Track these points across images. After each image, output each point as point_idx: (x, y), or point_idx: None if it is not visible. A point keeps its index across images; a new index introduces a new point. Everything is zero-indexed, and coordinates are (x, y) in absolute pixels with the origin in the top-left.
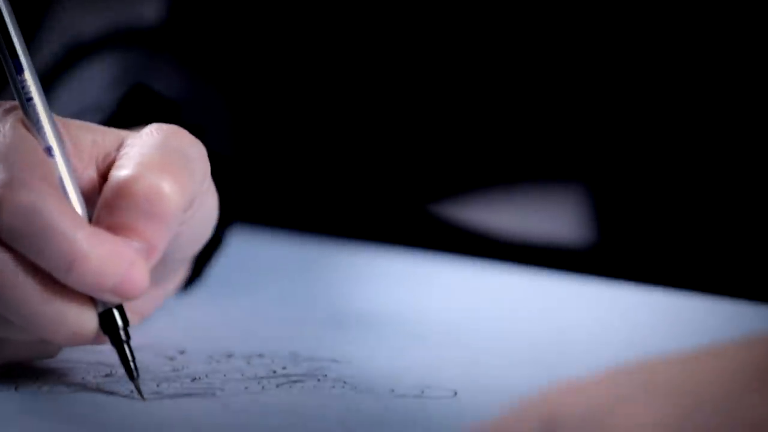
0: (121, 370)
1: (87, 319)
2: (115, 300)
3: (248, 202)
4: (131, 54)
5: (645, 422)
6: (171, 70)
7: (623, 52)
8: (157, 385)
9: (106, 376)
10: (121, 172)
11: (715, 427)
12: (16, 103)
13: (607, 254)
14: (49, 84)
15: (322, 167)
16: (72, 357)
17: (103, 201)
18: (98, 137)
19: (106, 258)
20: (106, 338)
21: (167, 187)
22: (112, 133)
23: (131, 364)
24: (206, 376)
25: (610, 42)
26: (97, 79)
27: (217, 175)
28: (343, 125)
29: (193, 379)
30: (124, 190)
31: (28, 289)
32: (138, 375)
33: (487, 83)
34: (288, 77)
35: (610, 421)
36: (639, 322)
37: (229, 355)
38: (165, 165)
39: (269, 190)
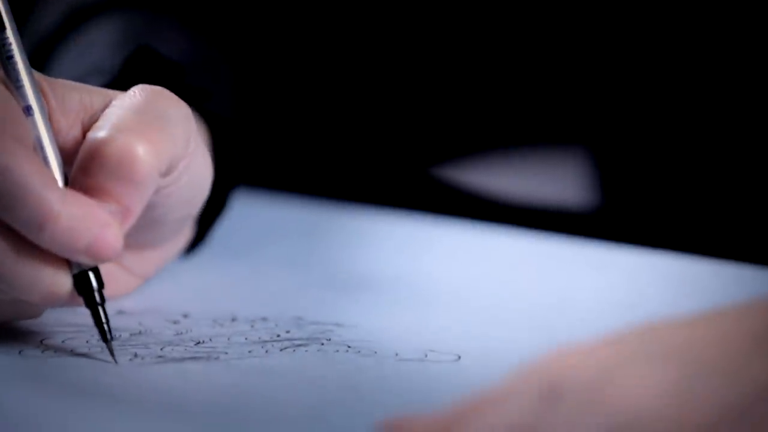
0: (124, 334)
1: (61, 280)
2: (89, 262)
3: (252, 165)
4: (135, 16)
5: (648, 386)
6: (175, 32)
7: (626, 14)
8: (161, 349)
9: (110, 340)
10: (97, 133)
11: (718, 391)
12: None
13: (609, 217)
14: (52, 47)
15: (325, 130)
16: (76, 321)
17: (78, 163)
18: (85, 97)
19: (77, 219)
20: (81, 299)
21: (141, 150)
22: (100, 93)
23: (105, 326)
24: (210, 339)
25: (613, 3)
26: (100, 41)
27: (220, 139)
28: (346, 89)
29: (197, 343)
30: (97, 152)
31: (1, 248)
32: (111, 338)
33: (489, 46)
34: (291, 40)
35: (612, 385)
36: (642, 285)
37: (233, 319)
38: (141, 127)
39: (273, 153)
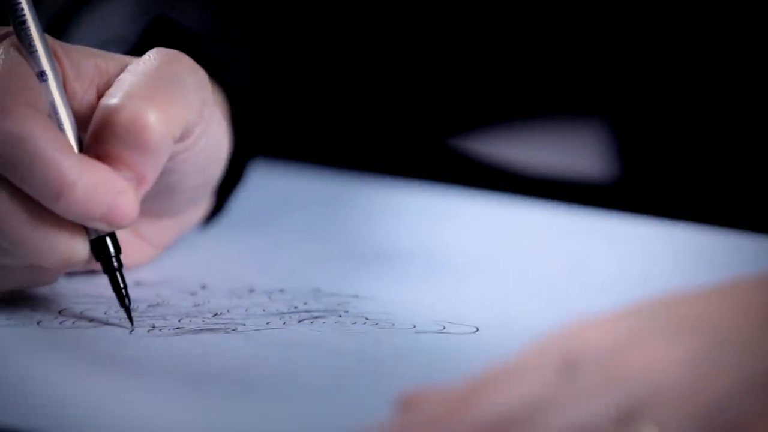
0: (142, 306)
1: (78, 246)
2: (105, 228)
3: (269, 136)
4: None
5: (666, 358)
6: (192, 2)
7: None
8: (179, 321)
9: (129, 305)
10: (109, 100)
11: (735, 363)
12: (10, 28)
13: (628, 189)
14: (71, 16)
15: (342, 101)
16: (94, 292)
17: (92, 130)
18: (100, 62)
19: (93, 186)
20: (98, 264)
21: (152, 116)
22: (115, 59)
23: (123, 291)
24: (228, 311)
25: None
26: (119, 11)
27: (237, 109)
28: (364, 59)
29: (215, 315)
30: (108, 119)
31: (17, 215)
32: (130, 303)
33: (509, 16)
34: (309, 9)
35: (630, 357)
36: (660, 257)
37: (251, 291)
38: (153, 93)
39: (290, 124)
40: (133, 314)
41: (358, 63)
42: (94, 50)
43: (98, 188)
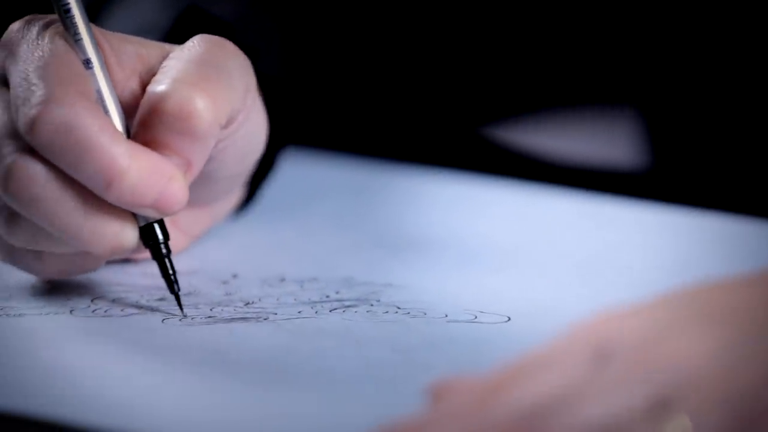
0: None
1: (128, 233)
2: (155, 215)
3: (301, 125)
4: None
5: (698, 348)
6: None
7: None
8: (211, 309)
9: (160, 300)
10: (156, 87)
11: (767, 353)
12: (55, 16)
13: (660, 178)
14: (103, 5)
15: (374, 89)
16: (126, 281)
17: (139, 117)
18: (141, 49)
19: (144, 174)
20: (146, 251)
21: (200, 103)
22: (156, 46)
23: (172, 277)
24: (259, 300)
25: None
26: (149, 1)
27: (269, 98)
28: (396, 47)
29: (247, 303)
30: (156, 106)
31: (68, 203)
32: (179, 289)
33: (541, 5)
34: None
35: (662, 347)
36: (692, 246)
37: (282, 280)
38: (200, 80)
39: (322, 112)
40: (164, 303)
41: (391, 51)
42: (135, 38)
43: (149, 175)
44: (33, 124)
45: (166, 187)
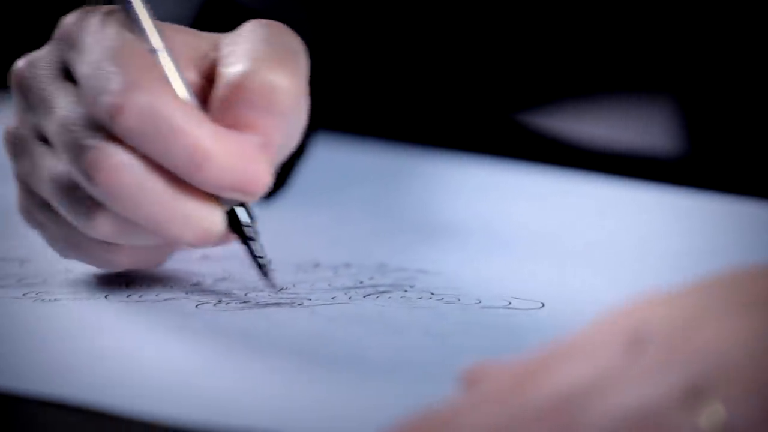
0: (209, 280)
1: (216, 219)
2: (240, 197)
3: (333, 110)
4: None
5: (732, 335)
6: None
7: None
8: (245, 295)
9: (194, 285)
10: (235, 68)
11: None
12: (115, 6)
13: (695, 164)
14: None
15: (407, 75)
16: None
17: (219, 98)
18: (192, 39)
19: (230, 155)
20: (232, 237)
21: (283, 81)
22: (205, 35)
23: (262, 260)
24: (293, 285)
25: None
26: None
27: None
28: (430, 31)
29: (280, 289)
30: (240, 85)
31: (157, 191)
32: (268, 270)
33: None
34: None
35: (697, 334)
36: (727, 233)
37: (316, 265)
38: (278, 59)
39: (354, 98)
40: (197, 288)
41: (423, 37)
42: (183, 27)
43: (235, 157)
44: (117, 111)
45: (252, 168)
